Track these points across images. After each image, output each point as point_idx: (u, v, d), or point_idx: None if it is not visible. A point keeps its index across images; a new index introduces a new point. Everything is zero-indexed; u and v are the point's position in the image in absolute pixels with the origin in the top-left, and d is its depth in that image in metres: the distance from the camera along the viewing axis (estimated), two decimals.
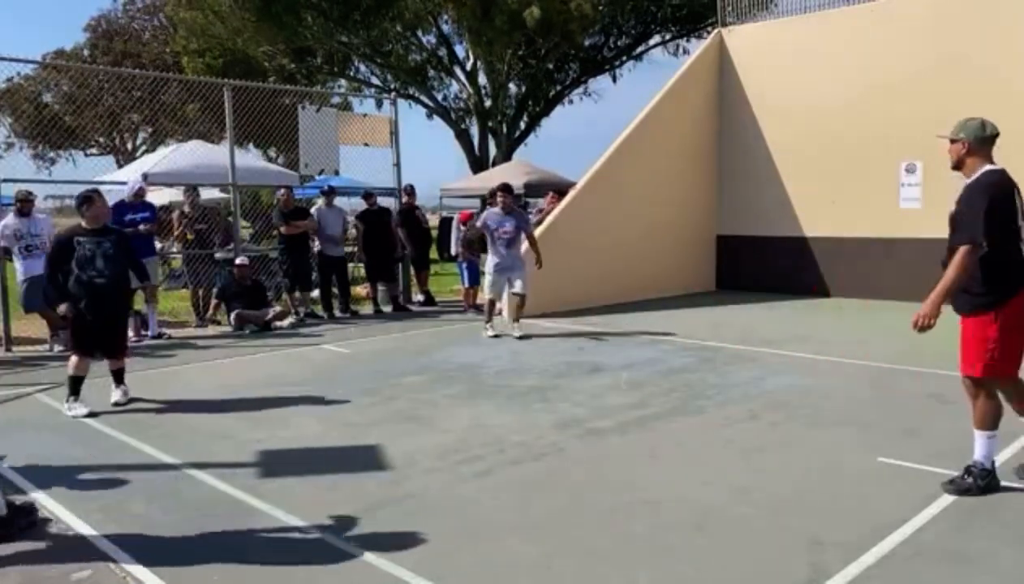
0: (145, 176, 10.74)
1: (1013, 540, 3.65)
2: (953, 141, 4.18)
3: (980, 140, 4.10)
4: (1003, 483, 4.18)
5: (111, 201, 10.18)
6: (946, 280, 4.00)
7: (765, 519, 3.94)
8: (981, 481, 4.13)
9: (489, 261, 9.53)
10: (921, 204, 11.42)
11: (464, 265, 11.83)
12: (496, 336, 9.29)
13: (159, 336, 9.64)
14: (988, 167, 4.09)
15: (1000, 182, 4.04)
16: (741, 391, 6.58)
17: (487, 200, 12.05)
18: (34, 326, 9.55)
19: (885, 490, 4.29)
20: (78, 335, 6.23)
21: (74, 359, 6.23)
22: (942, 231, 4.21)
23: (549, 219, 11.45)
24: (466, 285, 11.86)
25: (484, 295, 9.76)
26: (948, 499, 4.10)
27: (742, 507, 4.10)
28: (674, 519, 3.96)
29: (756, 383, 6.85)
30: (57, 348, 8.84)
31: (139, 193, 9.74)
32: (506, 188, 9.65)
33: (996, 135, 4.13)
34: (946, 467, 4.44)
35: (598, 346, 8.77)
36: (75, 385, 6.22)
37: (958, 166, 4.19)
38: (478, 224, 9.93)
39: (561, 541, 3.72)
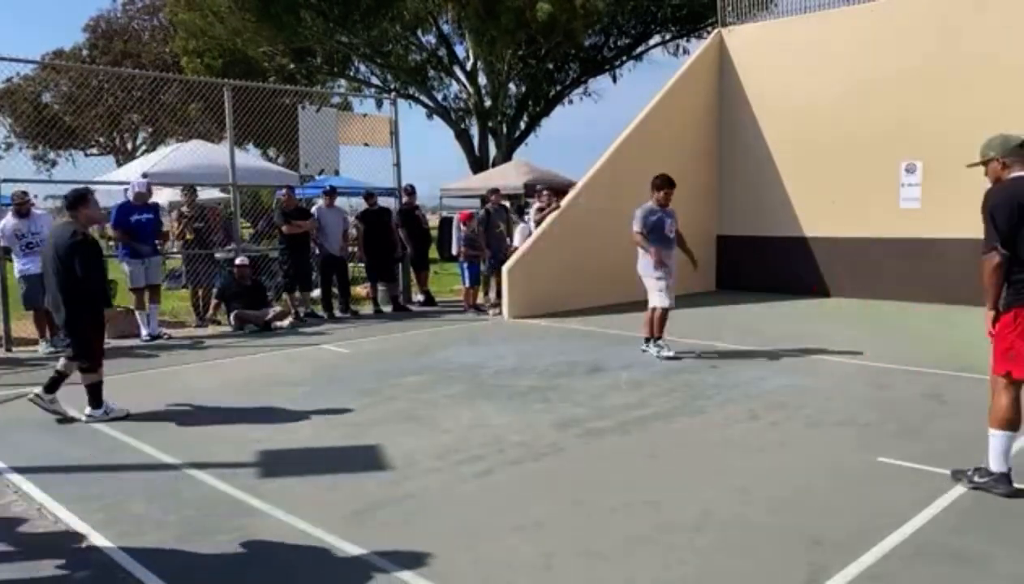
0: (145, 175, 10.71)
1: (1012, 540, 3.65)
2: (986, 162, 4.21)
3: (1011, 150, 4.12)
4: (1016, 486, 4.16)
5: (115, 201, 10.23)
6: None
7: (765, 519, 3.94)
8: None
9: (651, 265, 8.03)
10: (921, 204, 11.41)
11: (465, 265, 11.84)
12: (675, 357, 7.91)
13: (159, 336, 9.64)
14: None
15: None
16: (741, 391, 6.58)
17: (488, 197, 12.02)
18: (35, 326, 9.54)
19: (885, 490, 4.29)
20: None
21: (96, 366, 6.01)
22: (942, 231, 4.22)
23: (549, 219, 11.46)
24: (466, 285, 11.86)
25: (657, 305, 8.10)
26: (947, 499, 4.10)
27: (742, 507, 4.10)
28: (674, 519, 3.96)
29: (756, 383, 6.85)
30: (48, 351, 8.82)
31: (144, 194, 9.72)
32: (671, 181, 8.27)
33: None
34: (946, 467, 4.45)
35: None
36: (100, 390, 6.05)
37: (997, 182, 4.21)
38: (637, 224, 8.10)
39: (561, 541, 3.72)
